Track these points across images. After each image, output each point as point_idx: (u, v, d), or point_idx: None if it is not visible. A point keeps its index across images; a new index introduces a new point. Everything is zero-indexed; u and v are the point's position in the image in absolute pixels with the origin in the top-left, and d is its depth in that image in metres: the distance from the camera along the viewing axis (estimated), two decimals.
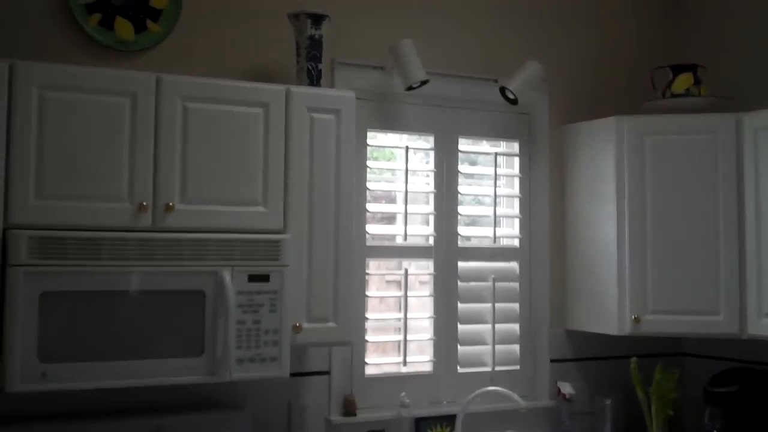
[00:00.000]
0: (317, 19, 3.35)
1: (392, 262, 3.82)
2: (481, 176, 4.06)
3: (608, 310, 3.84)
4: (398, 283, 3.81)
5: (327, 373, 3.57)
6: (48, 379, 2.70)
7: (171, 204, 2.93)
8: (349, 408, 3.57)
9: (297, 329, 3.10)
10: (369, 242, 3.72)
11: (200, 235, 2.94)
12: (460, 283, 3.90)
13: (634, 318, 3.74)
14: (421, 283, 3.88)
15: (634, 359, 3.87)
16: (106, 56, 3.27)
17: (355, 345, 3.59)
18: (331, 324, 3.20)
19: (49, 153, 2.79)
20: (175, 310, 2.88)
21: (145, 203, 2.89)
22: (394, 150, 3.88)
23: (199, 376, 2.91)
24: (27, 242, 2.69)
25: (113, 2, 3.28)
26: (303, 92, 3.21)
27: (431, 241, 3.87)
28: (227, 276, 2.94)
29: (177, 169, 2.97)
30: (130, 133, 2.91)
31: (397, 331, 3.78)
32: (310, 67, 3.35)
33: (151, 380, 2.85)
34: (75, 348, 2.74)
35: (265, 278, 3.01)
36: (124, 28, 3.30)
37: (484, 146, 4.07)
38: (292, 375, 3.11)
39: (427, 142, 3.91)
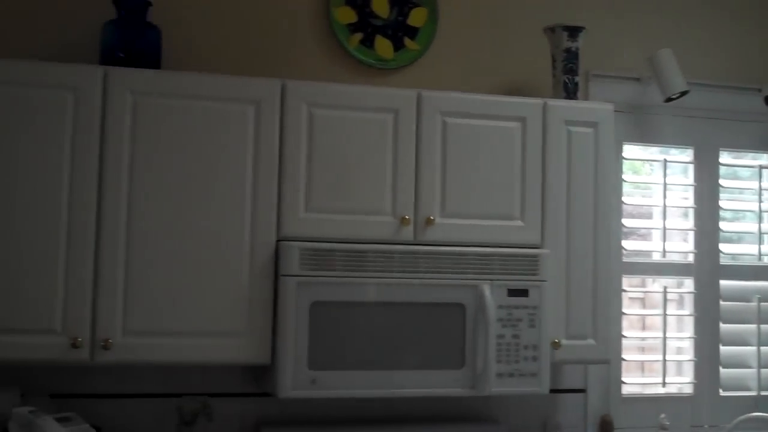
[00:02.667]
0: (574, 32, 3.31)
1: (635, 279, 3.69)
2: (745, 191, 3.85)
3: None
4: (641, 300, 3.68)
5: (583, 391, 3.50)
6: (317, 386, 2.79)
7: (431, 218, 2.97)
8: (606, 428, 3.46)
9: (556, 345, 3.06)
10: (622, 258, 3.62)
11: (460, 248, 2.96)
12: (722, 303, 3.72)
13: None
14: (668, 300, 3.71)
15: None
16: (366, 74, 3.37)
17: (612, 363, 3.49)
18: (590, 341, 3.12)
19: (317, 168, 2.90)
20: (436, 323, 2.91)
21: (407, 217, 2.94)
22: (651, 163, 3.76)
23: (460, 389, 2.92)
24: (298, 254, 2.80)
25: (373, 22, 3.38)
26: (560, 105, 3.18)
27: (690, 258, 3.71)
28: (487, 290, 2.94)
29: (437, 184, 3.00)
30: (392, 149, 2.97)
31: (640, 351, 3.65)
32: (566, 80, 3.31)
33: (417, 391, 2.89)
34: (342, 357, 2.82)
35: (524, 293, 2.99)
36: (383, 46, 3.38)
37: (747, 159, 3.87)
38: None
39: (686, 155, 3.76)
